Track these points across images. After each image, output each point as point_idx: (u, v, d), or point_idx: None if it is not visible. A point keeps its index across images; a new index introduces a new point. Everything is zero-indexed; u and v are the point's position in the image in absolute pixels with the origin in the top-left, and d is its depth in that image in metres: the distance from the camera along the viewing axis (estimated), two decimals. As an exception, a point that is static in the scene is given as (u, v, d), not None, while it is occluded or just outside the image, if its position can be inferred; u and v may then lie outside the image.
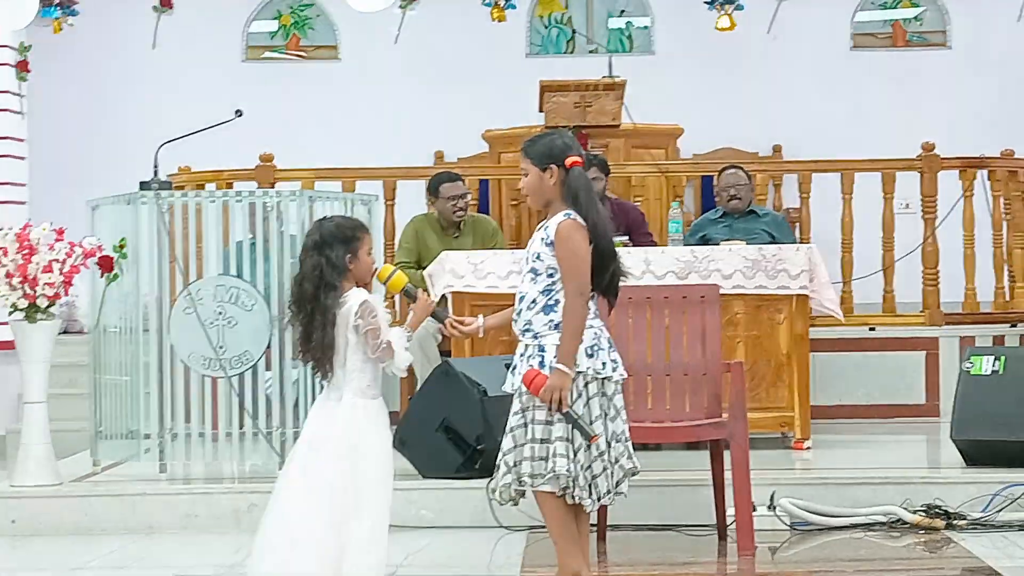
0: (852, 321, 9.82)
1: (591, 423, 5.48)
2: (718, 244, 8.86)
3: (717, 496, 6.98)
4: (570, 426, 5.43)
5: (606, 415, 5.54)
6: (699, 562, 6.75)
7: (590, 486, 5.50)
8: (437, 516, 7.43)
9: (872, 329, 10.00)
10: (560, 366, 5.42)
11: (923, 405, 9.82)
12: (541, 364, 5.47)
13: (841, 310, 8.84)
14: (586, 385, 5.50)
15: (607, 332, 5.61)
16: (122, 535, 7.41)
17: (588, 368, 5.49)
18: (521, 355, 5.57)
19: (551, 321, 5.50)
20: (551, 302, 5.52)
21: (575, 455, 5.47)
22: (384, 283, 5.66)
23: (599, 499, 5.51)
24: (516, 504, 5.63)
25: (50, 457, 7.76)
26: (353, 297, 5.50)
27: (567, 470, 5.44)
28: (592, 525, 6.42)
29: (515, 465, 5.52)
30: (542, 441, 5.47)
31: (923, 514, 7.18)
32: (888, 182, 10.19)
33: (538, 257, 5.57)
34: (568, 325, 5.46)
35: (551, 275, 5.53)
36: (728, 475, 6.81)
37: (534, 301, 5.55)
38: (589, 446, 5.47)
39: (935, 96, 13.17)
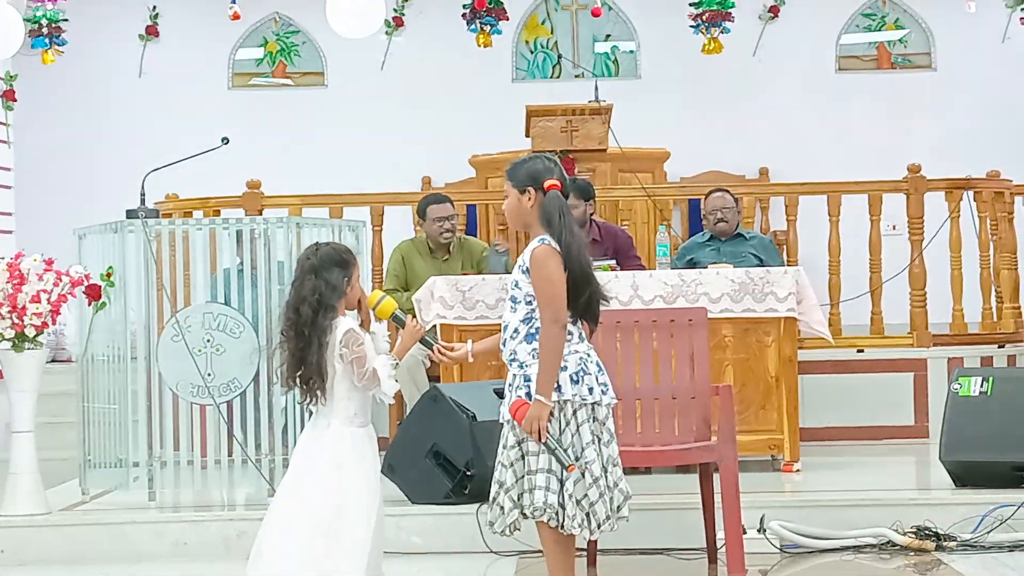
0: (840, 343, 9.82)
1: (583, 449, 5.48)
2: (706, 267, 8.86)
3: (707, 519, 6.97)
4: (552, 456, 5.44)
5: (599, 440, 5.54)
6: (689, 586, 6.75)
7: (588, 515, 5.50)
8: (427, 542, 7.41)
9: (860, 351, 10.01)
10: (539, 396, 5.43)
11: (912, 426, 9.82)
12: (528, 395, 5.48)
13: (830, 332, 8.84)
14: (574, 412, 5.51)
15: (595, 355, 5.62)
16: (111, 564, 7.38)
17: (574, 395, 5.49)
18: (509, 385, 5.59)
19: (534, 350, 5.52)
20: (532, 330, 5.54)
21: (562, 485, 5.48)
22: (373, 310, 5.67)
23: (599, 526, 5.51)
24: (514, 532, 5.64)
25: (38, 486, 7.73)
26: (340, 325, 5.50)
27: (543, 502, 5.44)
28: (581, 550, 6.44)
29: (519, 499, 5.52)
30: (536, 473, 5.48)
31: (913, 536, 7.17)
32: (875, 204, 10.21)
33: (516, 285, 5.59)
34: (544, 354, 5.47)
35: (529, 303, 5.55)
36: (718, 498, 6.80)
37: (516, 330, 5.57)
38: (583, 475, 5.47)
39: (921, 118, 13.22)
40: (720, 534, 6.85)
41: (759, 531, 7.17)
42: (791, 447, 8.49)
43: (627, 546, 7.16)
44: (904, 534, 7.17)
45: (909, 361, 9.94)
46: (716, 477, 6.79)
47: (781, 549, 7.18)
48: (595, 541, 6.92)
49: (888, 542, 7.18)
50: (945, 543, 7.14)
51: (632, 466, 6.64)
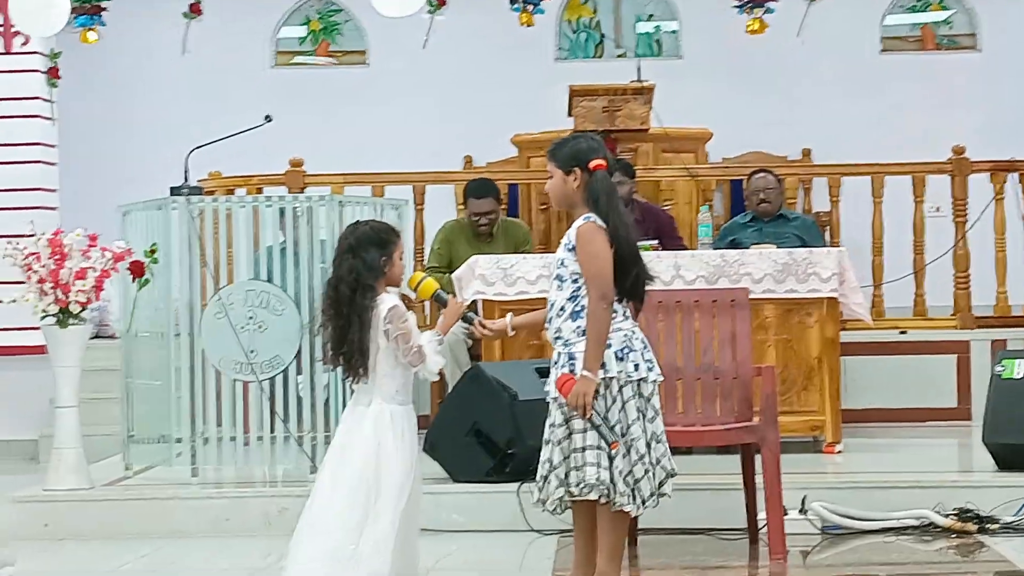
0: (883, 325, 9.80)
1: (629, 426, 5.48)
2: (748, 248, 8.84)
3: (748, 500, 6.97)
4: (596, 433, 5.44)
5: (644, 416, 5.54)
6: (730, 566, 6.74)
7: (633, 491, 5.50)
8: (468, 520, 7.43)
9: (903, 333, 9.97)
10: (585, 372, 5.43)
11: (954, 408, 9.78)
12: (572, 372, 5.48)
13: (871, 314, 8.82)
14: (620, 389, 5.50)
15: (640, 333, 5.61)
16: (153, 539, 7.42)
17: (620, 372, 5.49)
18: (554, 363, 5.59)
19: (579, 328, 5.51)
20: (578, 308, 5.53)
21: (611, 462, 5.48)
22: (414, 289, 5.68)
23: (643, 503, 5.52)
24: (565, 511, 5.64)
25: (82, 462, 7.78)
26: (383, 302, 5.51)
27: (595, 478, 5.44)
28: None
29: (565, 477, 5.53)
30: (583, 450, 5.48)
31: (955, 518, 7.14)
32: (918, 185, 10.17)
33: (562, 263, 5.58)
34: (591, 330, 5.46)
35: (575, 281, 5.54)
36: (759, 479, 6.80)
37: (562, 308, 5.57)
38: (628, 452, 5.47)
39: (965, 99, 13.14)
40: (761, 515, 6.85)
41: (800, 512, 7.16)
42: (833, 428, 8.48)
43: (668, 526, 7.16)
44: (946, 516, 7.15)
45: (952, 343, 9.91)
46: (758, 458, 6.78)
47: (822, 530, 7.17)
48: (636, 520, 6.92)
49: (930, 524, 7.16)
50: (987, 525, 7.11)
51: (674, 446, 6.62)
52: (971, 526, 7.10)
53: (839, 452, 8.44)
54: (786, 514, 6.79)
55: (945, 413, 9.77)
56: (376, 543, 5.43)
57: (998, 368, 7.95)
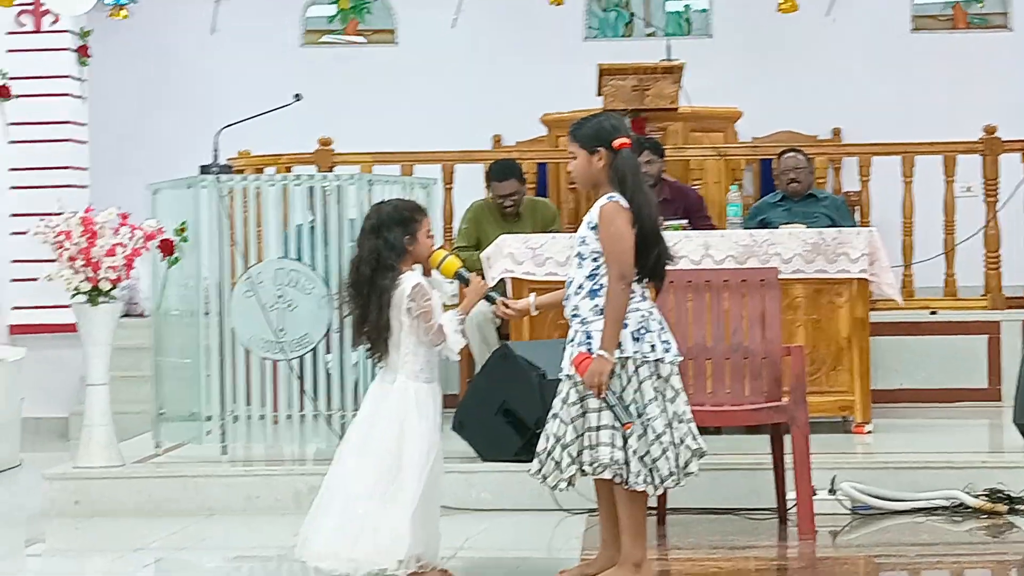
0: (913, 305, 9.77)
1: (645, 406, 5.48)
2: (777, 228, 8.82)
3: (778, 480, 6.96)
4: (611, 413, 5.45)
5: (663, 396, 5.54)
6: (759, 546, 6.73)
7: (651, 471, 5.51)
8: (496, 499, 7.44)
9: (933, 313, 9.94)
10: (601, 352, 5.44)
11: (985, 389, 9.75)
12: (589, 350, 5.48)
13: (902, 294, 8.79)
14: (636, 369, 5.51)
15: (658, 313, 5.61)
16: (183, 517, 7.45)
17: (635, 352, 5.49)
18: (570, 341, 5.59)
19: (596, 306, 5.52)
20: (596, 287, 5.54)
21: (625, 442, 5.48)
22: (437, 268, 5.69)
23: (662, 482, 5.52)
24: (571, 486, 5.66)
25: (112, 439, 7.81)
26: (407, 280, 5.53)
27: (609, 458, 5.45)
28: (652, 508, 6.46)
29: (578, 455, 5.54)
30: (598, 429, 5.49)
31: (985, 498, 7.13)
32: (949, 165, 10.13)
33: (583, 241, 5.58)
34: (609, 310, 5.47)
35: (595, 259, 5.54)
36: (788, 459, 6.79)
37: (580, 286, 5.57)
38: (644, 432, 5.48)
39: (996, 78, 13.06)
40: (791, 495, 6.85)
41: (830, 492, 7.16)
42: (862, 408, 8.46)
43: (697, 505, 7.16)
44: (976, 497, 7.14)
45: (983, 324, 9.87)
46: (787, 438, 6.77)
47: (852, 510, 7.16)
48: (665, 500, 6.93)
49: (960, 504, 7.14)
50: (1018, 506, 7.10)
51: (703, 426, 6.62)
52: (1001, 507, 7.09)
53: (869, 432, 8.43)
54: (815, 494, 6.79)
55: (975, 394, 9.73)
56: (397, 517, 5.46)
57: (1029, 348, 7.93)
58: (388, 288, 5.51)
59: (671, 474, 5.53)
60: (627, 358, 5.50)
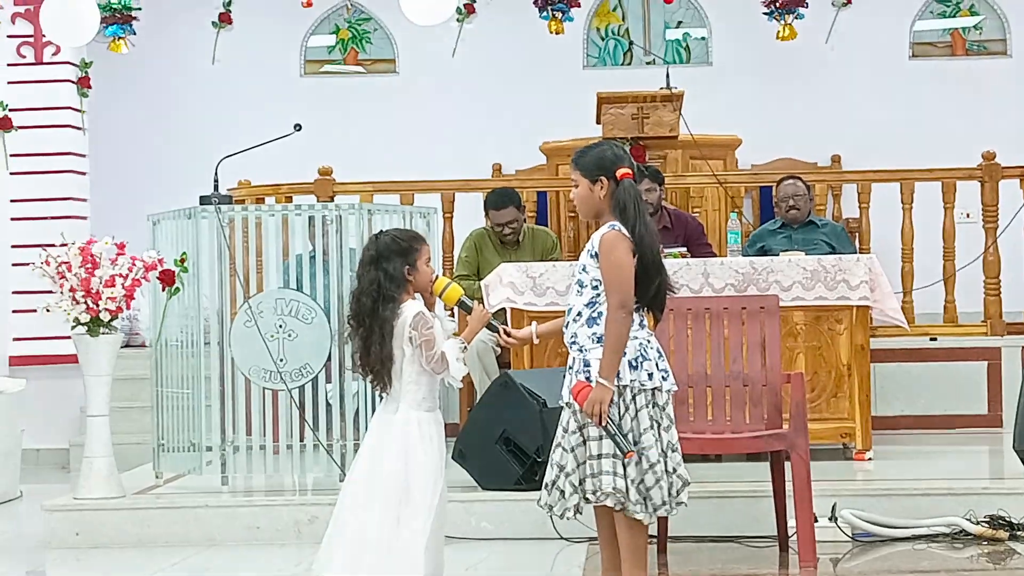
0: (913, 331, 9.77)
1: (641, 435, 5.49)
2: (777, 255, 8.83)
3: (778, 507, 6.96)
4: (612, 441, 5.45)
5: (659, 425, 5.55)
6: (760, 574, 6.72)
7: (644, 499, 5.51)
8: (496, 528, 7.44)
9: (933, 339, 9.94)
10: (601, 380, 5.45)
11: (985, 415, 9.75)
12: (588, 379, 5.49)
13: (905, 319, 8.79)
14: (633, 398, 5.52)
15: (656, 342, 5.61)
16: (184, 547, 7.45)
17: (633, 381, 5.50)
18: (569, 368, 5.60)
19: (595, 334, 5.53)
20: (595, 315, 5.54)
21: (624, 469, 5.49)
22: (439, 296, 5.69)
23: (655, 511, 5.52)
24: (574, 516, 5.66)
25: (113, 470, 7.81)
26: (408, 309, 5.53)
27: (613, 487, 5.45)
28: (652, 536, 6.45)
29: (580, 484, 5.54)
30: (599, 457, 5.50)
31: (986, 525, 7.12)
32: (948, 191, 10.14)
33: (583, 269, 5.60)
34: (609, 338, 5.47)
35: (595, 287, 5.55)
36: (789, 486, 6.79)
37: (579, 314, 5.58)
38: (640, 460, 5.48)
39: (995, 105, 13.08)
40: (791, 522, 6.84)
41: (831, 519, 7.15)
42: (863, 435, 8.45)
43: (698, 533, 7.16)
44: (977, 523, 7.13)
45: (983, 350, 9.88)
46: (788, 465, 6.77)
47: (853, 538, 7.15)
48: (666, 527, 6.92)
49: (961, 531, 7.14)
50: (1019, 532, 7.10)
51: (703, 453, 6.65)
52: (1002, 533, 7.09)
53: (869, 459, 8.42)
54: (816, 521, 6.78)
55: (976, 420, 9.74)
56: (407, 549, 5.45)
57: (1029, 374, 7.93)
58: (390, 319, 5.51)
59: (663, 503, 5.54)
60: (624, 386, 5.50)
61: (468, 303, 5.75)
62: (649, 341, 5.58)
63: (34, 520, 8.03)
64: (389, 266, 5.55)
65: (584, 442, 5.53)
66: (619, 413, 5.50)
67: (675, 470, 5.57)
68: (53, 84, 11.69)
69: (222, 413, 7.94)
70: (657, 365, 5.55)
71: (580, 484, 5.56)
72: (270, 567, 7.05)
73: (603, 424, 5.45)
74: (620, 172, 5.58)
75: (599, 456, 5.50)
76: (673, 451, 5.58)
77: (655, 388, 5.53)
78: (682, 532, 7.03)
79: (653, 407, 5.54)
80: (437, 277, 5.72)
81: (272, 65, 13.53)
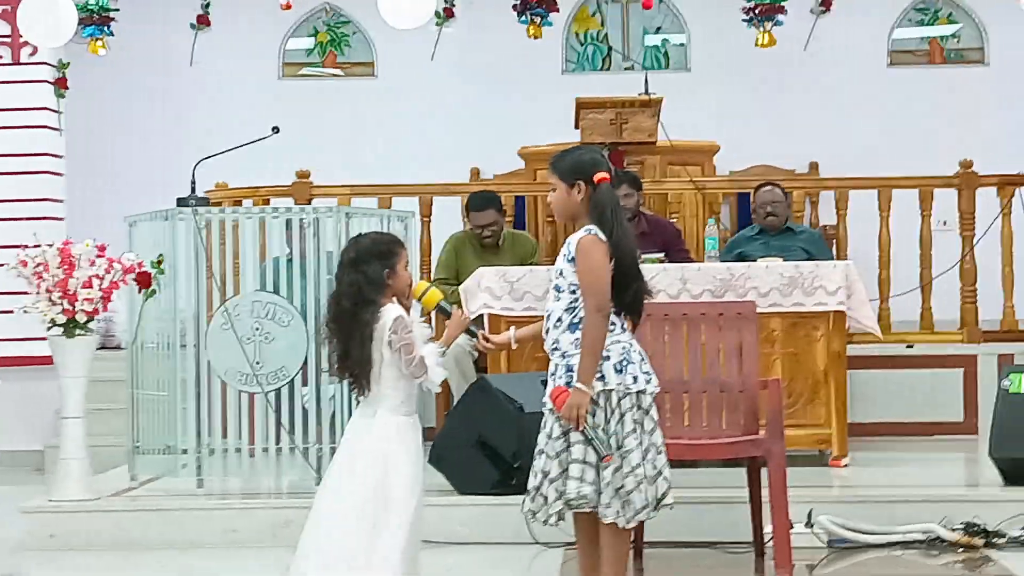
0: (890, 338, 9.79)
1: (624, 438, 5.48)
2: (755, 261, 8.83)
3: (754, 513, 6.96)
4: (590, 446, 5.44)
5: (642, 428, 5.53)
6: (736, 580, 6.73)
7: (624, 504, 5.50)
8: (472, 532, 7.42)
9: (910, 346, 9.97)
10: (579, 384, 5.43)
11: (961, 423, 9.77)
12: (569, 384, 5.48)
13: (879, 327, 8.80)
14: (619, 401, 5.50)
15: (637, 345, 5.61)
16: (159, 550, 7.43)
17: (618, 384, 5.49)
18: (552, 374, 5.59)
19: (576, 340, 5.51)
20: (575, 320, 5.53)
21: (598, 475, 5.47)
22: (419, 300, 5.68)
23: (635, 515, 5.50)
24: (559, 522, 5.65)
25: (88, 472, 7.79)
26: (388, 313, 5.51)
27: (576, 493, 5.44)
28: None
29: (564, 490, 5.53)
30: (572, 463, 5.49)
31: (962, 532, 7.14)
32: (926, 199, 10.17)
33: (560, 274, 5.59)
34: (586, 342, 5.46)
35: (573, 291, 5.54)
36: (765, 492, 6.79)
37: (559, 319, 5.57)
38: (620, 465, 5.47)
39: (973, 113, 13.12)
40: (767, 528, 6.84)
41: (806, 526, 7.16)
42: (839, 442, 8.46)
43: (674, 539, 7.16)
44: (953, 530, 7.14)
45: (959, 357, 9.90)
46: (764, 472, 6.77)
47: (828, 544, 7.16)
48: (641, 533, 6.92)
49: (936, 538, 7.15)
50: (994, 540, 7.11)
51: (679, 459, 6.63)
52: (978, 540, 7.10)
53: (846, 466, 8.43)
54: (792, 528, 6.78)
55: (952, 427, 9.76)
56: (386, 555, 5.43)
57: (1005, 383, 7.95)
58: (370, 322, 5.49)
59: (644, 507, 5.51)
60: (610, 390, 5.49)
61: (447, 308, 5.74)
62: (632, 344, 5.57)
63: (9, 522, 8.00)
64: (368, 269, 5.53)
65: (568, 447, 5.52)
66: (605, 417, 5.49)
67: (660, 472, 5.56)
68: (30, 84, 11.66)
69: (198, 416, 7.93)
70: (640, 368, 5.54)
71: (564, 490, 5.54)
72: (246, 570, 7.04)
73: (580, 428, 5.44)
74: (598, 176, 5.57)
75: (571, 462, 5.49)
76: (659, 453, 5.57)
77: (640, 391, 5.53)
78: (658, 538, 7.03)
79: (637, 410, 5.53)
80: (416, 281, 5.71)
81: (250, 67, 13.51)
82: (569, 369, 5.50)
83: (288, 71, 13.75)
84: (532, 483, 5.62)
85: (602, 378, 5.47)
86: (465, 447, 7.66)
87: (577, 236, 5.56)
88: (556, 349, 5.58)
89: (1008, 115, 13.04)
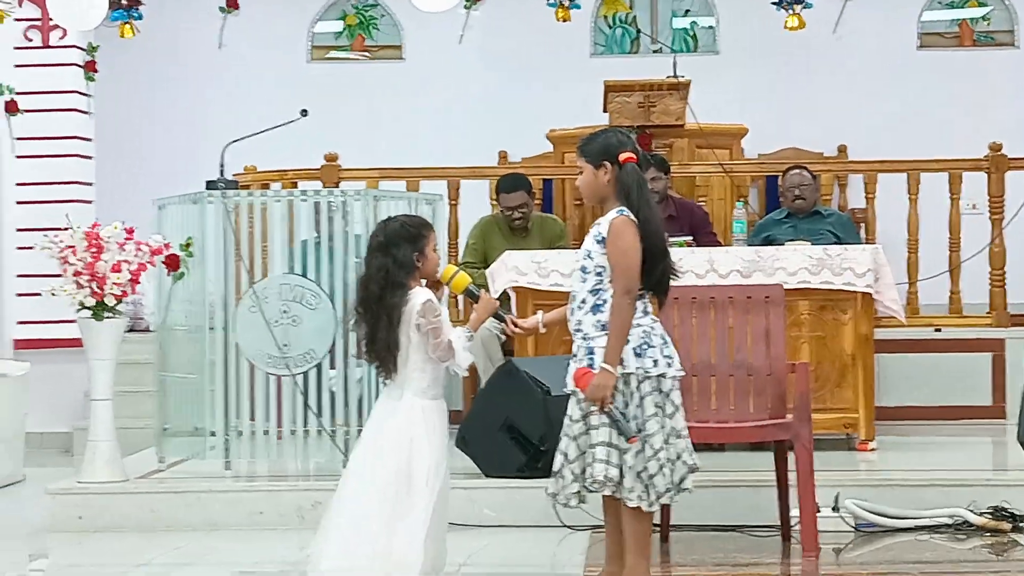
0: (918, 322, 9.77)
1: (645, 422, 5.48)
2: (782, 244, 8.82)
3: (781, 497, 6.95)
4: (614, 428, 5.45)
5: (663, 412, 5.54)
6: (763, 563, 6.71)
7: (647, 487, 5.51)
8: (499, 515, 7.43)
9: (938, 330, 9.94)
10: (605, 366, 5.44)
11: (989, 407, 9.74)
12: (591, 366, 5.49)
13: (906, 311, 8.78)
14: (638, 385, 5.51)
15: (660, 328, 5.61)
16: (187, 532, 7.46)
17: (637, 368, 5.49)
18: (574, 356, 5.60)
19: (599, 321, 5.52)
20: (599, 302, 5.54)
21: (623, 457, 5.49)
22: (447, 283, 5.68)
23: (658, 498, 5.52)
24: (579, 504, 5.67)
25: (116, 454, 7.81)
26: (416, 296, 5.51)
27: (604, 475, 5.46)
28: (656, 525, 6.46)
29: (581, 473, 5.55)
30: (595, 446, 5.50)
31: (989, 516, 7.12)
32: (955, 182, 10.13)
33: (588, 255, 5.59)
34: (614, 324, 5.47)
35: (599, 274, 5.55)
36: (792, 476, 6.78)
37: (583, 301, 5.58)
38: (643, 448, 5.48)
39: (1002, 96, 13.07)
40: (794, 512, 6.83)
41: (833, 509, 7.15)
42: (866, 426, 8.45)
43: (701, 522, 7.16)
44: (980, 515, 7.13)
45: (987, 341, 9.86)
46: (791, 455, 6.76)
47: (855, 528, 7.15)
48: (668, 516, 6.92)
49: (964, 522, 7.13)
50: (1022, 524, 7.09)
51: (707, 442, 6.63)
52: (1005, 525, 7.08)
53: (873, 450, 8.41)
54: (819, 511, 6.78)
55: (980, 411, 9.73)
56: (409, 537, 5.44)
57: (1033, 366, 7.92)
58: (398, 305, 5.50)
59: (667, 490, 5.53)
60: (629, 374, 5.50)
61: (475, 291, 5.74)
62: (653, 328, 5.57)
63: (37, 503, 8.03)
64: (398, 252, 5.53)
65: (587, 430, 5.53)
66: (624, 401, 5.50)
67: (679, 456, 5.57)
68: (60, 68, 11.68)
69: (226, 398, 7.95)
70: (662, 351, 5.55)
71: (582, 473, 5.56)
72: (272, 552, 7.06)
73: (605, 410, 5.45)
74: (623, 156, 5.58)
75: (596, 444, 5.50)
76: (678, 437, 5.57)
77: (660, 375, 5.53)
78: (685, 521, 7.03)
79: (658, 393, 5.53)
80: (445, 265, 5.72)
81: (279, 51, 13.53)
82: (590, 352, 5.51)
83: (316, 54, 13.77)
84: (556, 465, 5.64)
85: (621, 361, 5.48)
86: (492, 430, 7.67)
87: (609, 217, 5.56)
88: (579, 331, 5.59)
89: (1038, 97, 12.98)
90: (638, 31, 13.55)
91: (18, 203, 11.47)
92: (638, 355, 5.49)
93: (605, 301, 5.52)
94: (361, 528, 5.47)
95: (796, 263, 8.38)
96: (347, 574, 5.49)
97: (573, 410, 5.59)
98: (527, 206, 9.68)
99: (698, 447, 5.66)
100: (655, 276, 5.55)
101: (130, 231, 7.70)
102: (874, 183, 10.25)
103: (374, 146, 12.09)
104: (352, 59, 13.75)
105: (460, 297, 5.92)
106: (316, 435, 7.92)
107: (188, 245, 7.97)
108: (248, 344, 7.89)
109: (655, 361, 5.52)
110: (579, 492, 5.60)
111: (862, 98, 13.05)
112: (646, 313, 5.58)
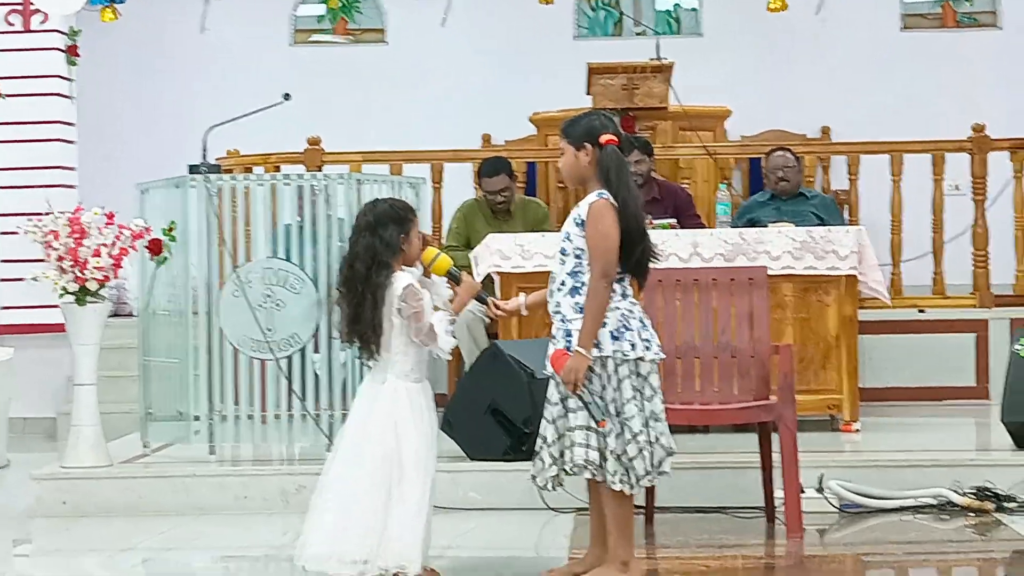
0: (901, 303, 9.78)
1: (623, 405, 5.49)
2: (766, 226, 8.82)
3: (765, 478, 6.96)
4: (587, 411, 5.46)
5: (641, 395, 5.55)
6: (747, 544, 6.72)
7: (627, 470, 5.52)
8: (484, 498, 7.43)
9: (922, 311, 9.95)
10: (579, 348, 5.46)
11: (973, 387, 9.76)
12: (568, 348, 5.50)
13: (890, 292, 8.78)
14: (616, 368, 5.52)
15: (639, 311, 5.61)
16: (171, 516, 7.45)
17: (614, 351, 5.50)
18: (552, 337, 5.61)
19: (577, 304, 5.54)
20: (577, 284, 5.56)
21: (603, 440, 5.49)
22: (428, 266, 5.68)
23: (638, 480, 5.54)
24: (557, 488, 5.68)
25: (100, 439, 7.80)
26: (399, 280, 5.52)
27: (583, 458, 5.47)
28: (639, 507, 6.46)
29: (560, 456, 5.56)
30: (574, 429, 5.51)
31: (973, 496, 7.13)
32: (938, 164, 10.14)
33: (568, 238, 5.61)
34: (589, 307, 5.49)
35: (578, 256, 5.56)
36: (776, 457, 6.79)
37: (563, 283, 5.60)
38: (622, 431, 5.49)
39: (985, 77, 13.08)
40: (778, 493, 6.84)
41: (817, 491, 7.16)
42: (850, 407, 8.46)
43: (685, 504, 7.17)
44: (964, 495, 7.14)
45: (970, 322, 9.88)
46: (775, 437, 6.77)
47: (839, 509, 7.16)
48: (652, 498, 6.93)
49: (947, 503, 7.15)
50: (1005, 504, 7.11)
51: (691, 424, 6.63)
52: (989, 505, 7.10)
53: (856, 431, 8.43)
54: (803, 492, 6.79)
55: (963, 392, 9.75)
56: (404, 522, 5.45)
57: (1016, 347, 7.94)
58: (383, 284, 5.51)
59: (647, 473, 5.55)
60: (606, 357, 5.51)
61: (457, 274, 5.74)
62: (632, 311, 5.58)
63: (22, 489, 8.03)
64: (385, 233, 5.54)
65: (566, 413, 5.54)
66: (602, 384, 5.51)
67: (657, 439, 5.58)
68: (41, 52, 11.63)
69: (209, 383, 7.94)
70: (640, 335, 5.55)
71: (560, 456, 5.58)
72: (257, 536, 7.06)
73: (577, 392, 5.46)
74: (604, 138, 5.59)
75: (575, 428, 5.52)
76: (656, 420, 5.58)
77: (638, 358, 5.54)
78: (669, 503, 7.04)
79: (636, 376, 5.54)
80: (426, 247, 5.71)
81: (261, 34, 13.51)
82: (568, 334, 5.53)
83: (299, 37, 13.74)
84: (537, 447, 5.65)
85: (597, 345, 5.48)
86: (476, 413, 7.67)
87: (589, 200, 5.57)
88: (558, 312, 5.60)
89: (1021, 78, 12.99)
90: (621, 13, 13.55)
91: (0, 188, 11.43)
92: (615, 338, 5.50)
93: (584, 283, 5.53)
94: (351, 512, 5.47)
95: (780, 247, 8.39)
96: (339, 558, 5.50)
97: (552, 393, 5.60)
98: (509, 190, 9.67)
99: (682, 429, 5.68)
100: (634, 259, 5.56)
101: (111, 216, 7.68)
102: (857, 164, 10.26)
103: (357, 129, 12.09)
104: (335, 43, 13.72)
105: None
106: (300, 419, 7.92)
107: (171, 229, 7.96)
108: (232, 328, 7.87)
109: (632, 344, 5.52)
110: (557, 475, 5.62)
111: (845, 80, 13.06)
112: (625, 296, 5.59)
